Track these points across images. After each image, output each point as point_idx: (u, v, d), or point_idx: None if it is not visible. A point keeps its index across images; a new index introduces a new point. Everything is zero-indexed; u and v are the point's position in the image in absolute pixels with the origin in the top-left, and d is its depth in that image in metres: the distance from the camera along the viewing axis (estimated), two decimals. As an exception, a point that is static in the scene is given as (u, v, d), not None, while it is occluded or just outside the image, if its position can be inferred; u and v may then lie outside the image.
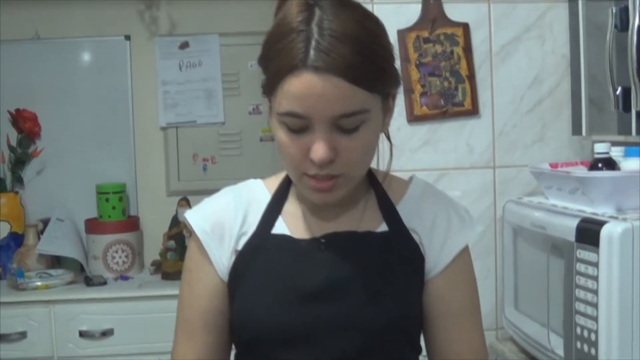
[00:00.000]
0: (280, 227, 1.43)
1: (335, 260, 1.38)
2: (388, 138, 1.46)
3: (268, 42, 1.29)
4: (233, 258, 1.42)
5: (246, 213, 1.44)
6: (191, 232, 1.47)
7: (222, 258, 1.43)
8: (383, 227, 1.43)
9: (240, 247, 1.42)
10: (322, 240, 1.40)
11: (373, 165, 1.45)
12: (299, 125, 1.26)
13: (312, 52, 1.22)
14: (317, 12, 1.25)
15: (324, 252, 1.39)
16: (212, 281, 1.44)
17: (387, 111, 1.36)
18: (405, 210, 1.45)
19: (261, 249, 1.41)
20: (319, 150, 1.25)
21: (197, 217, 1.46)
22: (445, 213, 1.47)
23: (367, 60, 1.24)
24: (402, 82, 1.41)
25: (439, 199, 1.50)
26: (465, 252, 1.47)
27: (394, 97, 1.38)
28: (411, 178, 1.52)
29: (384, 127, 1.38)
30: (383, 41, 1.31)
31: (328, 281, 1.36)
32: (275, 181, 1.49)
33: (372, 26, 1.29)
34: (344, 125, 1.25)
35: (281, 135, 1.29)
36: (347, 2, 1.30)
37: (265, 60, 1.30)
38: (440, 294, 1.44)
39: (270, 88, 1.29)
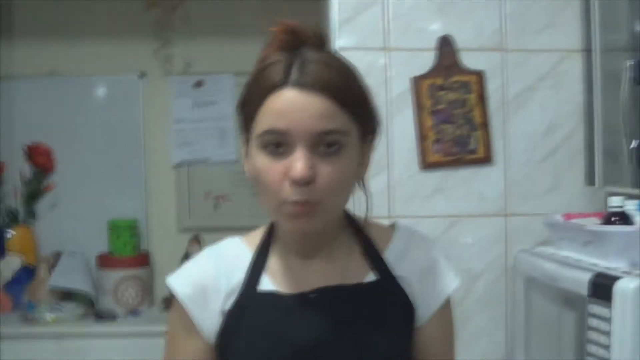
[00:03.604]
0: (267, 284, 1.40)
1: (326, 315, 1.37)
2: (364, 189, 1.44)
3: (247, 84, 1.31)
4: (220, 319, 1.39)
5: (229, 273, 1.41)
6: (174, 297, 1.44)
7: (207, 321, 1.40)
8: (371, 277, 1.42)
9: (227, 307, 1.39)
10: (312, 295, 1.38)
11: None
12: (279, 143, 1.25)
13: (294, 71, 1.25)
14: (299, 49, 1.30)
15: (314, 307, 1.37)
16: (198, 346, 1.41)
17: (363, 157, 1.37)
18: (392, 257, 1.45)
19: (250, 308, 1.38)
20: (298, 166, 1.23)
21: (180, 281, 1.42)
22: (433, 257, 1.47)
23: (349, 84, 1.28)
24: (380, 127, 1.40)
25: (425, 243, 1.50)
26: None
27: (370, 145, 1.38)
28: (393, 224, 1.52)
29: (360, 175, 1.38)
30: (362, 80, 1.34)
31: (321, 337, 1.35)
32: (255, 237, 1.46)
33: (352, 66, 1.34)
34: (324, 147, 1.25)
35: (260, 161, 1.28)
36: (327, 48, 1.34)
37: (244, 99, 1.32)
38: (434, 337, 1.46)
39: (250, 115, 1.29)
